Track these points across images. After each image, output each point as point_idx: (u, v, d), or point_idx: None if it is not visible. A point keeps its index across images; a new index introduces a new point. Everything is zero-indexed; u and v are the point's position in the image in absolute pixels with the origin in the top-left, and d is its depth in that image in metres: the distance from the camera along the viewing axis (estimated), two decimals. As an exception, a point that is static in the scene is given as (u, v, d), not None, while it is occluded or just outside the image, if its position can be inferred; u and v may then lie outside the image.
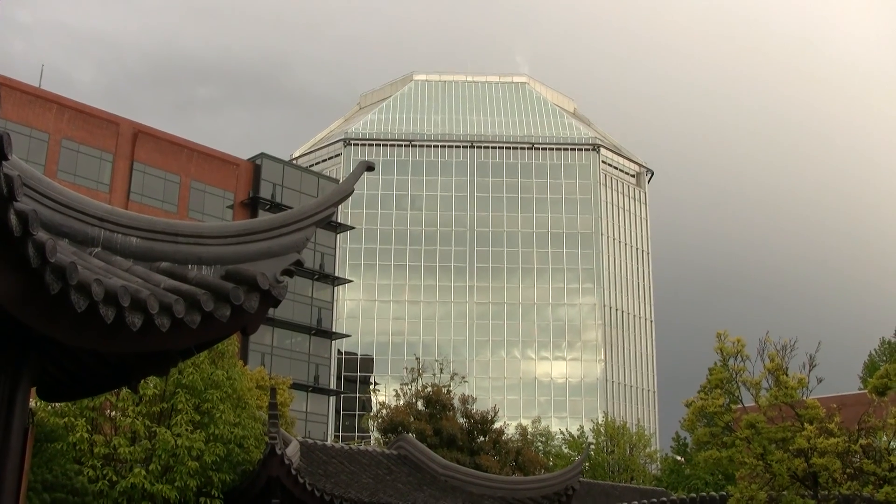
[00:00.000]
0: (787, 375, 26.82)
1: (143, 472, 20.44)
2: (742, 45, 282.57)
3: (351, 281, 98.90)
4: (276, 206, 73.47)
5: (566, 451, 71.50)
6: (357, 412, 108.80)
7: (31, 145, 63.12)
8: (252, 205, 75.17)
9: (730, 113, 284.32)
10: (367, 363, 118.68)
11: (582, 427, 79.30)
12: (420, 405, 37.51)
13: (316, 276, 78.20)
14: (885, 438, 27.26)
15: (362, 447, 31.76)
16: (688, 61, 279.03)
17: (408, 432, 33.81)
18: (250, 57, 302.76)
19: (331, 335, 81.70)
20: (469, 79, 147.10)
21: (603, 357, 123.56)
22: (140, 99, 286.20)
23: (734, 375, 27.60)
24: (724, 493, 30.05)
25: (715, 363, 28.49)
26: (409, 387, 40.25)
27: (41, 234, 5.82)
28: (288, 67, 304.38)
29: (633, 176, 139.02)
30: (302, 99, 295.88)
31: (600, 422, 74.86)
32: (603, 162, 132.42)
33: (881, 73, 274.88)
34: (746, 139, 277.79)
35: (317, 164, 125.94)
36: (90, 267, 6.66)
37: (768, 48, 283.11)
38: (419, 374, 42.40)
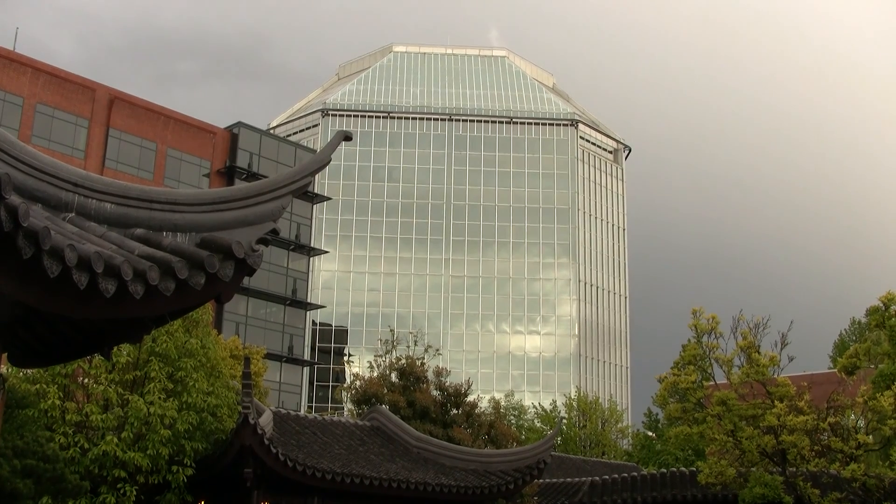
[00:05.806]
0: (759, 353, 27.08)
1: (115, 440, 20.39)
2: (725, 27, 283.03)
3: (327, 252, 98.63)
4: (252, 176, 73.06)
5: (538, 425, 71.85)
6: (331, 383, 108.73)
7: (4, 109, 62.42)
8: (228, 174, 74.67)
9: (710, 95, 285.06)
10: (342, 334, 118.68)
11: (555, 401, 79.69)
12: (394, 377, 37.41)
13: (292, 247, 77.97)
14: (853, 417, 27.61)
15: (335, 418, 31.80)
16: (669, 41, 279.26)
17: (381, 404, 33.82)
18: (229, 31, 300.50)
19: (305, 306, 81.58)
20: (448, 51, 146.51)
21: (577, 332, 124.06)
22: (119, 72, 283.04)
23: (707, 352, 27.84)
24: (695, 469, 30.34)
25: (689, 339, 28.69)
26: (383, 358, 40.09)
27: (14, 198, 5.75)
28: (267, 42, 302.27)
29: (610, 152, 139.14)
30: (281, 73, 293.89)
31: (573, 396, 75.21)
32: (581, 137, 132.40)
33: (864, 59, 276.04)
34: (725, 121, 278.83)
35: (294, 134, 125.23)
36: (64, 232, 6.60)
37: (751, 32, 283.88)
38: (393, 346, 42.26)
